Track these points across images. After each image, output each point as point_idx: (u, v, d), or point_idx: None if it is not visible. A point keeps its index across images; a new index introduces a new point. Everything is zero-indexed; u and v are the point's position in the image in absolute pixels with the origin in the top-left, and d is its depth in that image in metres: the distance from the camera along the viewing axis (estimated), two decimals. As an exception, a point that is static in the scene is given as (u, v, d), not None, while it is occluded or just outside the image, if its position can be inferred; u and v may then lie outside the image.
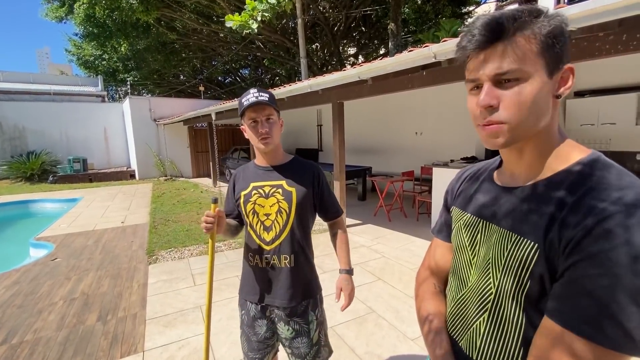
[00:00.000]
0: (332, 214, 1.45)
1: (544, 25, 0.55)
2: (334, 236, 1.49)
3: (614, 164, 0.57)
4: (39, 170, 11.47)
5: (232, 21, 7.45)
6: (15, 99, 12.80)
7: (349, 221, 5.60)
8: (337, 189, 5.24)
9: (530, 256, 0.57)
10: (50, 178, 11.29)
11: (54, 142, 12.46)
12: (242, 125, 1.35)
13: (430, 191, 5.80)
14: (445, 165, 5.34)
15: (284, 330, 1.35)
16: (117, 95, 22.42)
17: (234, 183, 1.44)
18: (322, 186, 1.40)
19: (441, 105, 6.83)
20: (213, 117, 8.46)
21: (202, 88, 15.58)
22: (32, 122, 12.17)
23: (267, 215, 1.32)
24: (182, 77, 21.52)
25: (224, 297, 3.11)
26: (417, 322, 2.66)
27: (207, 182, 11.30)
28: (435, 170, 5.20)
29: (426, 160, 6.79)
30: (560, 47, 0.56)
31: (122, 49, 16.05)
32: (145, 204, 7.73)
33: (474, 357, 0.68)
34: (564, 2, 4.29)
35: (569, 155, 0.60)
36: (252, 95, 1.25)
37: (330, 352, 1.48)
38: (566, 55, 0.58)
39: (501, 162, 0.73)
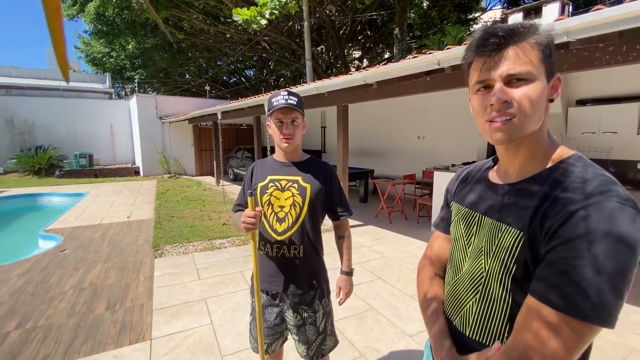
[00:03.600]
0: (340, 214, 1.51)
1: (543, 38, 0.65)
2: (339, 238, 1.57)
3: (593, 164, 0.66)
4: (46, 164, 11.64)
5: (240, 15, 7.48)
6: (27, 94, 13.00)
7: (350, 222, 5.67)
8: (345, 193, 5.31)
9: (516, 243, 0.66)
10: (57, 172, 11.45)
11: (62, 138, 12.64)
12: (267, 122, 1.45)
13: (431, 194, 5.87)
14: (446, 169, 5.41)
15: (292, 317, 1.44)
16: (124, 93, 22.65)
17: (251, 174, 1.53)
18: (334, 186, 1.49)
19: (443, 110, 6.92)
20: (219, 116, 8.58)
21: (208, 87, 15.73)
22: (41, 118, 12.37)
23: (282, 207, 1.41)
24: (187, 76, 21.71)
25: (228, 290, 3.21)
26: (415, 320, 2.74)
27: (210, 180, 11.41)
28: (436, 174, 5.28)
29: (428, 164, 6.86)
30: (553, 58, 0.66)
31: (130, 47, 16.26)
32: (149, 200, 7.85)
33: (467, 334, 0.77)
34: (567, 15, 4.38)
35: (556, 155, 0.69)
36: (282, 98, 1.35)
37: (336, 342, 1.56)
38: (555, 66, 0.68)
39: (496, 162, 0.82)
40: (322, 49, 16.22)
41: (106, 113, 13.48)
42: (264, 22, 7.33)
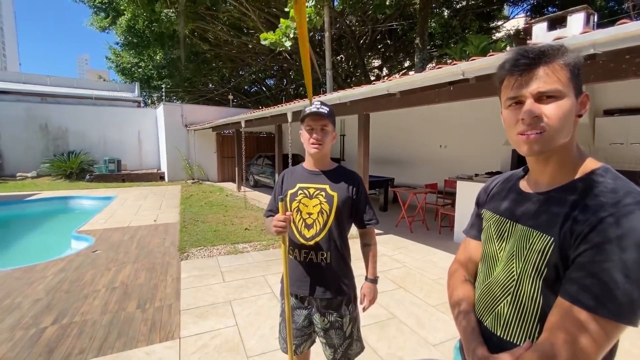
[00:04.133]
0: (365, 222, 1.54)
1: (571, 58, 0.71)
2: (364, 246, 1.60)
3: (620, 176, 0.70)
4: (77, 168, 12.26)
5: (268, 39, 7.86)
6: (61, 102, 13.81)
7: (370, 230, 5.68)
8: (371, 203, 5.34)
9: (547, 248, 0.70)
10: (87, 177, 12.02)
11: (92, 144, 13.31)
12: (300, 130, 1.53)
13: (453, 204, 5.80)
14: (469, 179, 5.35)
15: (319, 321, 1.49)
16: (150, 101, 23.63)
17: (282, 182, 1.60)
18: (360, 194, 1.53)
19: (467, 119, 6.86)
20: (242, 124, 8.83)
21: (231, 97, 16.20)
22: (73, 124, 13.09)
23: (310, 214, 1.47)
24: (211, 85, 22.45)
25: (252, 294, 3.29)
26: (438, 330, 2.73)
27: (231, 186, 11.68)
28: (459, 183, 5.22)
29: (450, 173, 6.79)
30: (581, 77, 0.72)
31: (158, 58, 17.04)
32: (175, 204, 8.12)
33: (498, 334, 0.80)
34: (592, 25, 4.30)
35: (584, 167, 0.73)
36: (314, 106, 1.43)
37: (362, 347, 1.59)
38: (582, 84, 0.73)
39: (526, 172, 0.87)
40: (341, 58, 16.43)
41: (134, 120, 14.12)
42: (288, 43, 7.63)
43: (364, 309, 1.55)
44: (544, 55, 0.70)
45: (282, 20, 7.67)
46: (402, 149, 8.72)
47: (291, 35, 7.42)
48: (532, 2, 12.69)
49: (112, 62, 20.41)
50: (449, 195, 6.34)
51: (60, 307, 3.02)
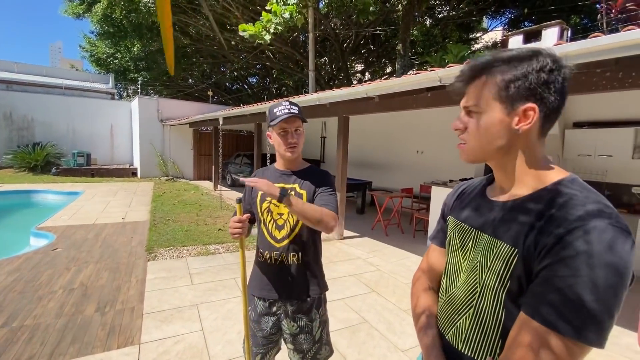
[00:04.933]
0: (321, 203, 1.35)
1: (507, 71, 0.68)
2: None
3: (587, 186, 0.68)
4: (42, 161, 11.58)
5: (246, 31, 7.73)
6: (28, 90, 13.01)
7: (346, 233, 5.68)
8: (338, 201, 5.33)
9: (510, 259, 0.67)
10: (53, 170, 11.38)
11: (60, 135, 12.62)
12: (268, 131, 1.46)
13: (428, 209, 5.89)
14: (444, 184, 5.45)
15: (289, 326, 1.43)
16: (125, 94, 22.73)
17: None
18: (323, 186, 1.43)
19: (443, 126, 7.00)
20: (220, 121, 8.62)
21: (210, 93, 15.84)
22: (41, 114, 12.37)
23: (280, 214, 1.42)
24: (190, 80, 21.88)
25: (221, 297, 3.17)
26: (408, 335, 2.72)
27: (207, 185, 11.39)
28: (434, 188, 5.31)
29: (426, 179, 6.90)
30: (516, 90, 0.67)
31: (135, 49, 16.41)
32: (146, 202, 7.80)
33: (459, 349, 0.77)
34: (566, 39, 4.49)
35: (549, 176, 0.71)
36: (285, 108, 1.37)
37: (331, 351, 1.54)
38: (524, 96, 0.67)
39: (493, 179, 0.84)
40: (325, 60, 16.45)
41: (107, 113, 13.51)
42: (268, 37, 7.53)
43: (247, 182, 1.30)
44: (474, 70, 0.73)
45: (264, 13, 7.56)
46: (381, 153, 8.80)
47: (271, 30, 7.33)
48: (509, 16, 13.16)
49: (86, 52, 19.45)
50: (424, 200, 6.44)
51: (11, 309, 2.80)
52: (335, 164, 5.57)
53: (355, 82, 16.18)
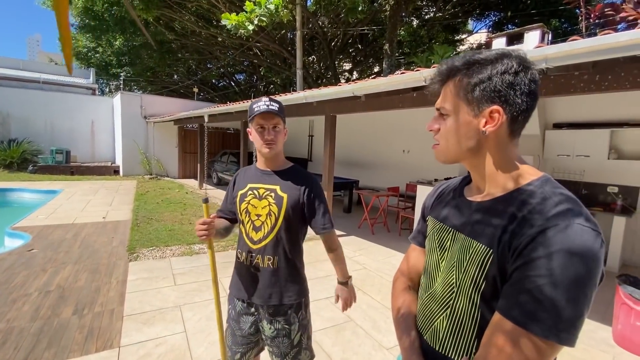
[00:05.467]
0: (319, 228, 1.43)
1: (472, 74, 0.69)
2: (328, 251, 1.52)
3: (559, 185, 0.69)
4: (19, 158, 11.13)
5: (229, 20, 7.61)
6: (3, 84, 12.46)
7: (333, 232, 5.68)
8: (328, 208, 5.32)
9: (485, 260, 0.68)
10: (30, 167, 10.96)
11: (38, 132, 12.14)
12: (248, 128, 1.44)
13: (413, 208, 5.96)
14: (429, 183, 5.52)
15: (266, 328, 1.41)
16: (108, 89, 22.09)
17: (234, 181, 1.52)
18: (313, 198, 1.42)
19: (429, 125, 7.08)
20: (206, 119, 8.48)
21: (196, 89, 15.56)
22: (17, 109, 11.86)
23: (258, 215, 1.39)
24: (175, 76, 21.45)
25: (204, 298, 3.12)
26: (392, 333, 2.74)
27: (193, 183, 11.20)
28: (419, 187, 5.37)
29: (412, 178, 6.98)
30: (481, 92, 0.67)
31: (117, 44, 15.95)
32: (128, 200, 7.61)
33: (437, 349, 0.77)
34: (546, 42, 4.61)
35: (523, 177, 0.71)
36: (263, 104, 1.34)
37: (312, 356, 1.52)
38: (489, 99, 0.67)
39: (470, 179, 0.85)
40: (313, 58, 16.40)
41: (88, 109, 13.08)
42: (251, 27, 7.44)
43: (342, 309, 1.58)
44: (444, 75, 0.74)
45: (247, 3, 7.46)
46: (368, 152, 8.84)
47: (255, 21, 7.24)
48: (493, 18, 13.45)
49: (65, 45, 18.78)
50: (410, 198, 6.51)
51: (-19, 313, 2.67)
52: (322, 163, 5.57)
53: (343, 81, 16.21)
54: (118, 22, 13.60)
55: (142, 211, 6.53)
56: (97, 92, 17.27)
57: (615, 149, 4.67)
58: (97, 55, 18.07)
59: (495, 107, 0.67)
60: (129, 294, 3.14)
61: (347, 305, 1.55)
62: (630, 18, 6.51)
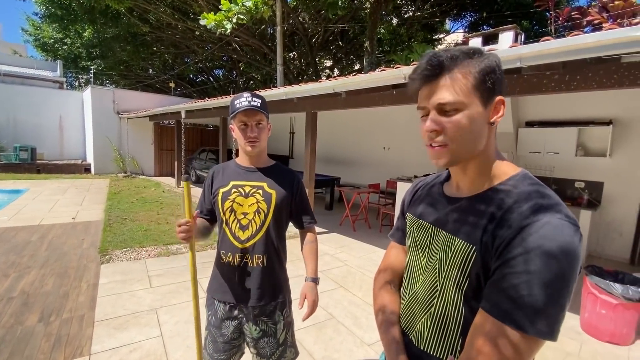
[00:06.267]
0: (305, 223, 1.49)
1: (477, 64, 0.67)
2: (305, 244, 1.52)
3: (538, 181, 0.69)
4: (-23, 156, 10.41)
5: (207, 19, 7.43)
6: (-42, 76, 11.61)
7: (315, 229, 5.66)
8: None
9: (469, 257, 0.67)
10: (-9, 166, 10.27)
11: (0, 128, 11.38)
12: (230, 124, 1.38)
13: (394, 204, 6.03)
14: (409, 180, 5.61)
15: (251, 330, 1.36)
16: (77, 83, 21.03)
17: (212, 179, 1.44)
18: (300, 194, 1.45)
19: (408, 123, 7.19)
20: (183, 115, 8.23)
21: (172, 84, 15.04)
22: (-26, 103, 11.06)
23: (245, 214, 1.35)
24: (151, 71, 20.67)
25: (183, 300, 3.02)
26: (374, 329, 2.76)
27: (170, 181, 10.87)
28: (399, 184, 5.44)
29: (392, 175, 7.07)
30: (491, 82, 0.67)
31: (87, 35, 15.16)
32: (100, 200, 7.28)
33: (422, 348, 0.77)
34: (519, 42, 4.77)
35: (504, 172, 0.72)
36: (245, 100, 1.29)
37: (296, 353, 1.51)
38: (498, 89, 0.69)
39: (449, 175, 0.84)
40: (294, 55, 16.25)
41: (55, 104, 12.37)
42: (229, 26, 7.28)
43: (304, 318, 1.37)
44: (445, 64, 0.66)
45: (223, 1, 7.29)
46: (349, 149, 8.88)
47: (233, 20, 7.09)
48: (470, 19, 13.81)
49: (29, 35, 17.71)
50: (390, 195, 6.59)
51: None
52: (304, 160, 5.52)
53: (324, 77, 16.19)
54: (87, 11, 12.91)
55: (116, 211, 6.26)
56: (65, 85, 16.38)
57: (582, 147, 4.91)
58: (65, 47, 17.12)
59: (500, 97, 0.68)
60: (101, 298, 2.99)
61: (314, 309, 1.40)
62: (596, 22, 6.85)
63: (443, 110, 0.67)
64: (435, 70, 0.67)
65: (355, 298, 3.26)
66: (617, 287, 2.57)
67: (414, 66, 0.72)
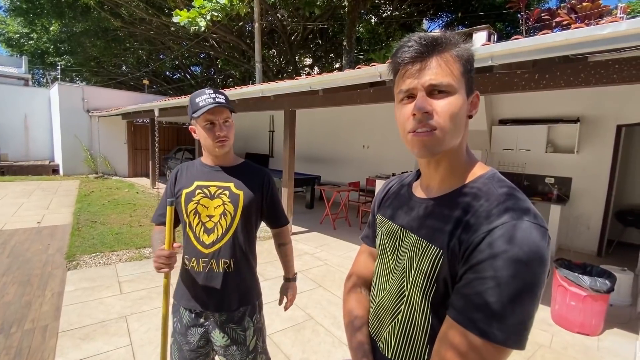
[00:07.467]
0: (277, 223, 1.45)
1: (464, 52, 0.64)
2: (279, 246, 1.49)
3: (506, 180, 0.67)
4: None
5: (180, 17, 7.21)
6: None
7: (295, 228, 5.61)
8: (286, 196, 5.23)
9: (436, 261, 0.64)
10: (-53, 168, 9.59)
11: (-43, 127, 10.65)
12: (192, 125, 1.29)
13: (373, 202, 6.06)
14: (387, 177, 5.64)
15: (218, 337, 1.30)
16: (45, 80, 19.98)
17: (175, 179, 1.36)
18: (270, 193, 1.38)
19: (387, 121, 7.25)
20: (156, 113, 7.95)
21: (146, 82, 14.52)
22: None
23: (210, 217, 1.27)
24: (124, 67, 19.91)
25: (154, 306, 2.90)
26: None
27: (144, 182, 10.50)
28: (377, 182, 5.48)
29: (371, 172, 7.11)
30: (472, 74, 0.66)
31: (54, 29, 14.40)
32: (69, 203, 6.92)
33: (389, 356, 0.74)
34: (492, 42, 4.89)
35: (473, 172, 0.69)
36: (209, 97, 1.21)
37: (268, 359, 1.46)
38: (474, 83, 0.68)
39: (418, 175, 0.81)
40: (273, 52, 16.07)
41: (19, 101, 11.69)
42: (203, 23, 7.09)
43: (286, 309, 1.53)
44: (437, 44, 0.62)
45: None
46: (329, 148, 8.87)
47: (207, 17, 6.91)
48: (446, 19, 14.12)
49: (-9, 29, 16.63)
50: (370, 193, 6.63)
51: None
52: (283, 159, 5.46)
53: (304, 75, 16.09)
54: (54, 5, 12.26)
55: (85, 214, 5.97)
56: (31, 82, 15.52)
57: (551, 144, 5.10)
58: (31, 42, 16.21)
59: (476, 92, 0.67)
60: (66, 307, 2.83)
61: (291, 303, 1.54)
62: (565, 22, 7.13)
63: (432, 92, 0.62)
64: (428, 48, 0.62)
65: (334, 297, 3.24)
66: (586, 280, 2.67)
67: (399, 45, 0.66)
